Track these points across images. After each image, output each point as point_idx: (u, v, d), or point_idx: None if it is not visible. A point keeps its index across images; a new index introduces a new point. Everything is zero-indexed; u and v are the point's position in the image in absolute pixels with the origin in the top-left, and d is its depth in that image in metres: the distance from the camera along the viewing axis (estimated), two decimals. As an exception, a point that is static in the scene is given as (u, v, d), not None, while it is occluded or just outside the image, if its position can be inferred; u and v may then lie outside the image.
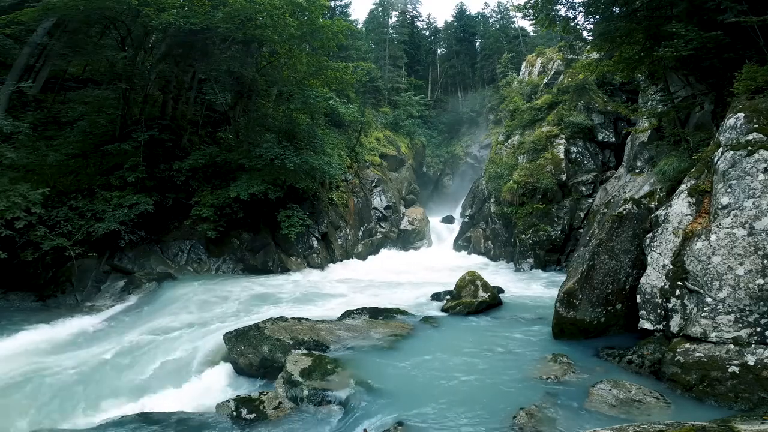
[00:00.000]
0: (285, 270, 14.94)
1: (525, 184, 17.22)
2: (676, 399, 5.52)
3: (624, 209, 8.18)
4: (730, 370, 5.44)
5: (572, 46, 21.39)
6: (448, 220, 27.75)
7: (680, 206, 6.99)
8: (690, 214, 6.82)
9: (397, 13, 43.92)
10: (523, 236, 16.44)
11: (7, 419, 6.10)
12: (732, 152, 6.33)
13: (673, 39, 8.22)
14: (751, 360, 5.39)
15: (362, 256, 19.62)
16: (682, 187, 7.33)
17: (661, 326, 6.48)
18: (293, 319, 8.57)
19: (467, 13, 47.85)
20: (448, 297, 11.07)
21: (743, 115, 6.61)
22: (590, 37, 12.04)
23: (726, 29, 7.82)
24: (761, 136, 6.18)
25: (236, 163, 14.80)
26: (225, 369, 7.44)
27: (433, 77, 45.28)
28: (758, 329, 5.55)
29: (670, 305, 6.38)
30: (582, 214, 16.57)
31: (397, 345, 7.74)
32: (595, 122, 18.04)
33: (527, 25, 42.04)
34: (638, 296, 6.87)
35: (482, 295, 10.25)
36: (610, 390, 5.63)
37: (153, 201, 12.98)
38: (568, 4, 11.28)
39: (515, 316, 9.54)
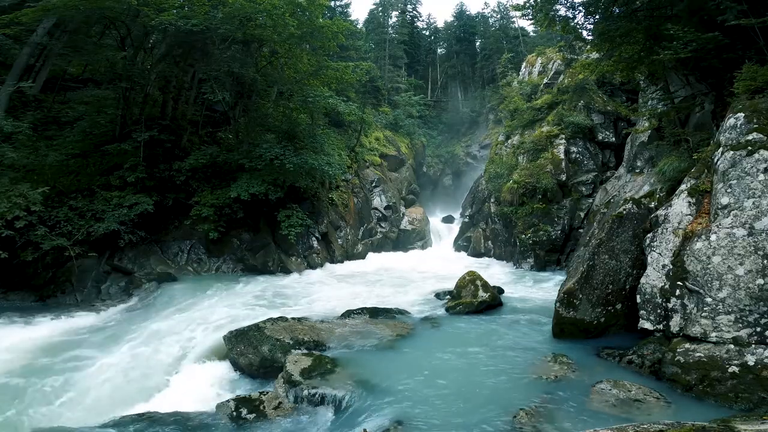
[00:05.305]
0: (285, 270, 14.92)
1: (525, 184, 17.21)
2: (676, 399, 5.53)
3: (624, 209, 8.19)
4: (730, 370, 5.44)
5: (572, 46, 21.47)
6: (448, 220, 27.76)
7: (680, 206, 6.99)
8: (690, 214, 6.82)
9: (397, 13, 43.94)
10: (523, 236, 16.44)
11: (7, 418, 6.10)
12: (732, 152, 6.33)
13: (672, 40, 8.22)
14: (751, 360, 5.40)
15: (362, 256, 19.60)
16: (682, 187, 7.33)
17: (661, 326, 6.49)
18: (293, 319, 8.58)
19: (467, 13, 47.90)
20: (448, 297, 11.07)
21: (743, 115, 6.61)
22: (590, 37, 12.02)
23: (725, 30, 7.82)
24: (761, 136, 6.18)
25: (236, 163, 14.79)
26: (225, 369, 7.46)
27: (433, 77, 45.26)
28: (758, 329, 5.55)
29: (670, 305, 6.38)
30: (582, 214, 16.57)
31: (397, 345, 7.74)
32: (595, 122, 18.03)
33: (527, 25, 42.21)
34: (638, 296, 6.87)
35: (482, 295, 10.25)
36: (610, 390, 5.64)
37: (153, 201, 12.96)
38: (568, 3, 11.28)
39: (515, 316, 9.54)
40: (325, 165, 15.49)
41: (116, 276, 12.63)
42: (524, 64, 26.90)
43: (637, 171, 14.32)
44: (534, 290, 12.70)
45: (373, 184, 23.20)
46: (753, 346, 5.50)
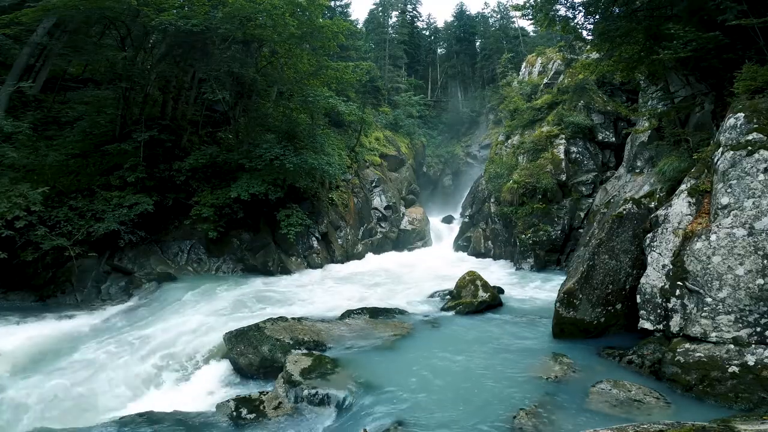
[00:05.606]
0: (285, 270, 14.92)
1: (525, 184, 17.21)
2: (676, 399, 5.53)
3: (624, 209, 8.19)
4: (730, 370, 5.44)
5: (572, 46, 21.47)
6: (448, 220, 27.76)
7: (680, 206, 6.99)
8: (690, 214, 6.82)
9: (397, 13, 43.95)
10: (523, 236, 16.43)
11: (7, 419, 6.10)
12: (732, 152, 6.33)
13: (672, 39, 8.22)
14: (751, 360, 5.40)
15: (362, 256, 19.59)
16: (682, 187, 7.34)
17: (661, 326, 6.49)
18: (293, 319, 8.58)
19: (467, 13, 47.92)
20: (448, 297, 11.06)
21: (743, 115, 6.61)
22: (590, 37, 12.03)
23: (725, 29, 7.82)
24: (761, 136, 6.18)
25: (236, 163, 14.79)
26: (225, 369, 7.46)
27: (433, 77, 45.26)
28: (758, 329, 5.55)
29: (670, 305, 6.38)
30: (582, 214, 16.56)
31: (397, 345, 7.74)
32: (595, 122, 18.03)
33: (527, 25, 42.24)
34: (638, 296, 6.87)
35: (482, 295, 10.25)
36: (610, 390, 5.64)
37: (153, 201, 12.95)
38: (568, 3, 11.28)
39: (515, 316, 9.54)
40: (325, 165, 15.50)
41: (116, 276, 12.62)
42: (524, 64, 26.89)
43: (637, 171, 14.32)
44: (534, 290, 12.69)
45: (373, 184, 23.20)
46: (753, 346, 5.50)
